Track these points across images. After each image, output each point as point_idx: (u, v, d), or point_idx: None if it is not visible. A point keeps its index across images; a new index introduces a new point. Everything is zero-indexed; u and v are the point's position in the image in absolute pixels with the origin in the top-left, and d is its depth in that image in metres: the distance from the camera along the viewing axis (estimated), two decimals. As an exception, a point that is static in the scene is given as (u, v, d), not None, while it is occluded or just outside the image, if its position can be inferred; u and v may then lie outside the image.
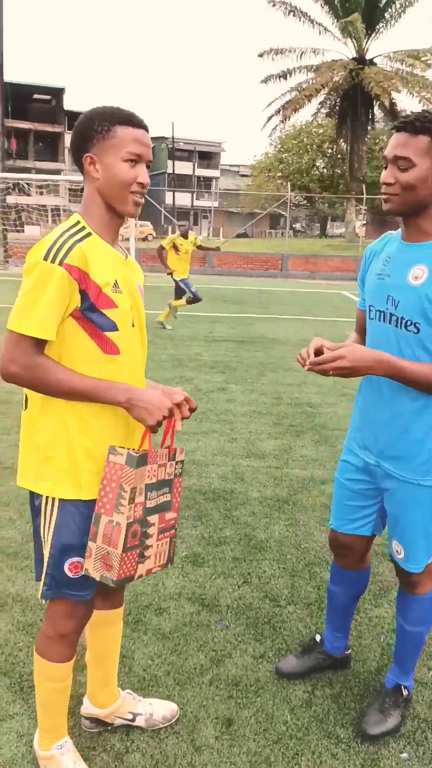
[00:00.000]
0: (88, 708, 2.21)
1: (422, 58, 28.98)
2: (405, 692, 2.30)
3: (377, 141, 38.61)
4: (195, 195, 56.36)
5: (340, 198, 35.00)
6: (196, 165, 58.49)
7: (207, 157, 60.17)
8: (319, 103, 31.24)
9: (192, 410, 1.87)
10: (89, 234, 1.72)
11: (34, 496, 1.83)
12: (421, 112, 1.79)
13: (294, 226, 46.50)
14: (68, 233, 1.69)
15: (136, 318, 1.85)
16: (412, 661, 2.31)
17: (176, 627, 2.78)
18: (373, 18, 29.86)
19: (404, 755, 2.15)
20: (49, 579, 1.82)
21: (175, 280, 10.69)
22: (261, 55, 30.64)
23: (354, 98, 30.12)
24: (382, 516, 2.22)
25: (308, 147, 43.73)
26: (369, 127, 32.76)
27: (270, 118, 32.00)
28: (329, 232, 47.45)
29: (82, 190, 1.92)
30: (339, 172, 42.01)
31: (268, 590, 3.08)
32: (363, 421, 2.14)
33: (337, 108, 31.61)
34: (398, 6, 29.86)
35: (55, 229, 1.73)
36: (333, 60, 30.73)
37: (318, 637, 2.55)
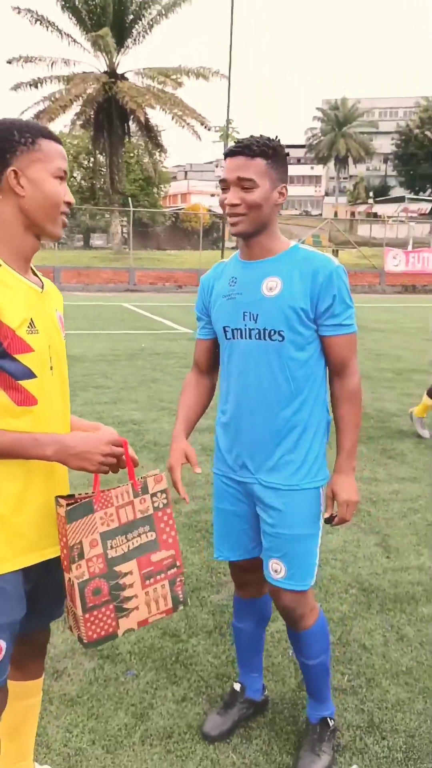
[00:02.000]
0: None
1: (172, 77, 30.12)
2: (330, 723, 2.25)
3: (132, 155, 39.36)
4: None
5: (103, 210, 35.09)
6: None
7: None
8: (75, 114, 30.90)
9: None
10: None
11: None
12: (255, 138, 1.89)
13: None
14: None
15: (55, 360, 1.64)
16: (327, 688, 2.26)
17: (83, 688, 2.53)
18: (122, 33, 30.38)
19: (354, 767, 2.19)
20: None
21: None
22: (10, 62, 29.51)
23: (109, 111, 30.37)
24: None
25: (64, 158, 43.06)
26: (126, 140, 33.27)
27: (24, 127, 30.93)
28: (91, 244, 47.40)
29: None
30: (98, 184, 42.08)
31: (164, 626, 2.95)
32: (233, 442, 2.10)
33: (92, 120, 31.61)
34: (146, 23, 30.76)
35: None
36: (85, 72, 30.67)
37: (237, 686, 2.40)
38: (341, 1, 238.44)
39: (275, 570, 2.06)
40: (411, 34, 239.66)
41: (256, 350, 1.99)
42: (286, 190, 1.96)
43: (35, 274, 1.68)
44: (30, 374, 1.53)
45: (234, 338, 2.05)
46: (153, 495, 1.68)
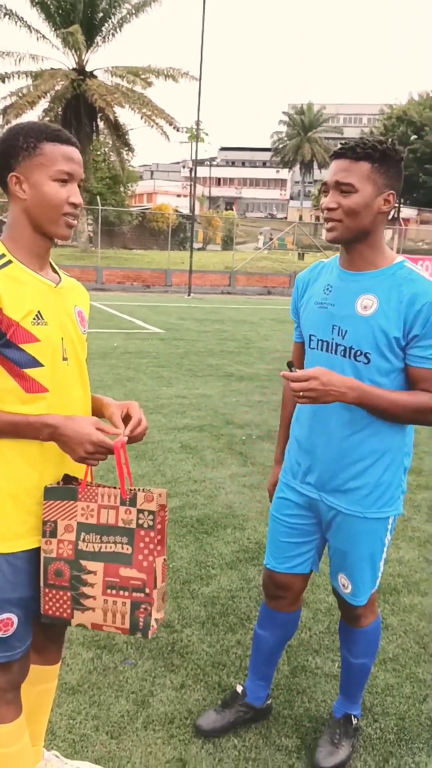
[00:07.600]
0: None
1: (142, 76, 30.04)
2: (354, 721, 2.30)
3: (99, 153, 39.10)
4: None
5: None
6: None
7: None
8: (43, 111, 30.56)
9: (139, 436, 1.71)
10: (9, 262, 1.60)
11: None
12: (361, 139, 1.81)
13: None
14: None
15: (70, 351, 1.71)
16: (359, 690, 2.32)
17: (83, 677, 2.59)
18: (92, 31, 30.19)
19: None
20: None
21: None
22: (-24, 56, 29.10)
23: (77, 109, 30.13)
24: (320, 552, 2.19)
25: (30, 154, 42.46)
26: (94, 138, 33.05)
27: (-11, 121, 30.54)
28: (57, 241, 46.78)
29: None
30: (64, 181, 41.51)
31: (158, 617, 3.01)
32: (303, 454, 2.07)
33: (60, 117, 31.30)
34: (115, 21, 30.63)
35: None
36: (53, 68, 30.40)
37: (239, 688, 2.39)
38: (311, 8, 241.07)
39: (343, 585, 2.10)
40: (377, 41, 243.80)
41: (338, 367, 1.89)
42: (394, 197, 1.83)
43: (55, 272, 1.75)
44: (36, 363, 1.59)
45: (318, 349, 1.97)
46: (140, 511, 1.61)
